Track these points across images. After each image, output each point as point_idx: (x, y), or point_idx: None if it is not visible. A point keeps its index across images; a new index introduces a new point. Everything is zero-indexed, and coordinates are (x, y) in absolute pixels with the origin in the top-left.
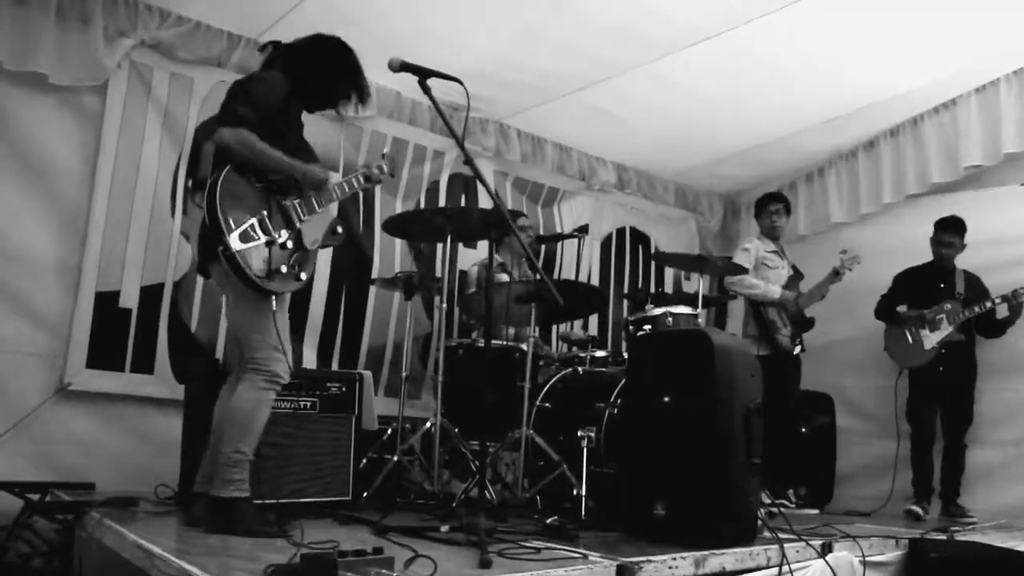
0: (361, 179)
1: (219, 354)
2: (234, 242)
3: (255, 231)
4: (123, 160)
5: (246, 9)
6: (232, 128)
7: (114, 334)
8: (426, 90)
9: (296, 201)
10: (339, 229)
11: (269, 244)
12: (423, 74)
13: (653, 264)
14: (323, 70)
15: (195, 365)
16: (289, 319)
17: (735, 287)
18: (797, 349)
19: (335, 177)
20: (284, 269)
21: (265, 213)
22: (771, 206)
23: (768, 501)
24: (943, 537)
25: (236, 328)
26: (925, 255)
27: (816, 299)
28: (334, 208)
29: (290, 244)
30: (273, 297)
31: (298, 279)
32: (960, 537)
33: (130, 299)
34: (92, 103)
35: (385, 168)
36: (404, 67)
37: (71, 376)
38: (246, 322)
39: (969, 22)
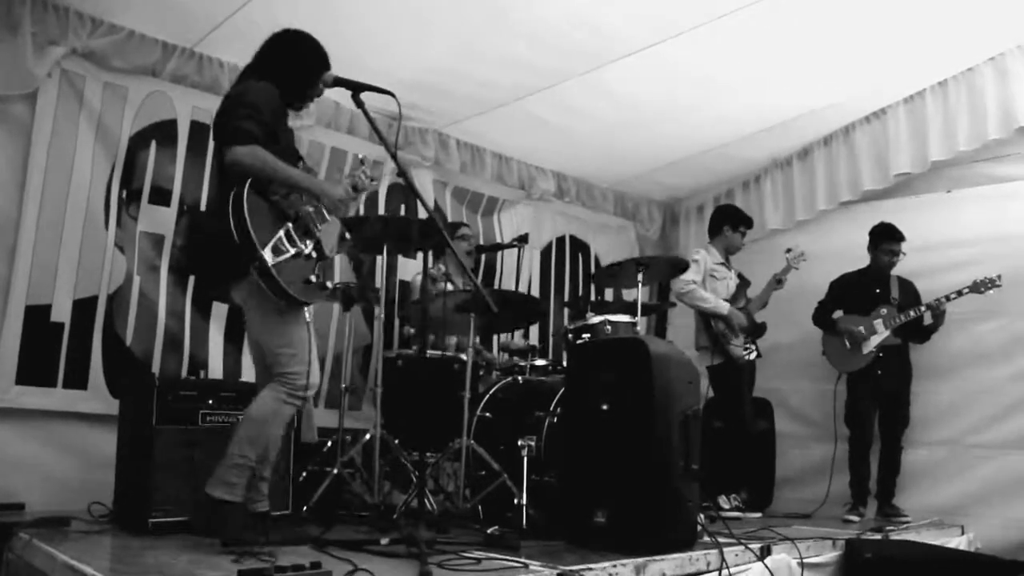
0: (351, 190)
1: (155, 367)
2: (268, 256)
3: (283, 244)
4: (54, 170)
5: (181, 18)
6: (246, 146)
7: (45, 349)
8: (359, 104)
9: (311, 210)
10: (347, 236)
11: (297, 255)
12: (356, 88)
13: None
14: (303, 65)
15: (130, 379)
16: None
17: (686, 299)
18: (753, 355)
19: (333, 222)
20: (313, 279)
21: (290, 225)
22: (742, 227)
23: (727, 506)
24: (878, 537)
25: (264, 345)
26: (859, 260)
27: (760, 307)
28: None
29: (314, 254)
30: (305, 309)
31: (324, 288)
32: (894, 536)
33: (62, 313)
34: (21, 112)
35: (368, 173)
36: (338, 82)
37: (0, 393)
38: (276, 338)
39: (896, 34)
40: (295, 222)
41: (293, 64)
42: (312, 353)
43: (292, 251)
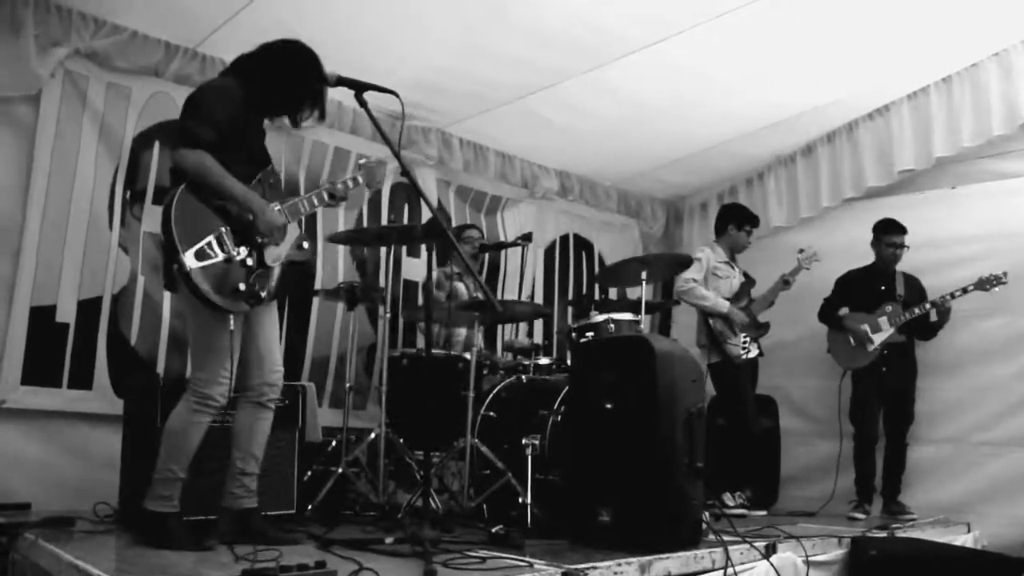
0: (325, 196)
1: (160, 368)
2: (189, 260)
3: (212, 249)
4: (58, 171)
5: (184, 18)
6: (191, 150)
7: (51, 350)
8: (362, 103)
9: None
10: (305, 244)
11: (227, 262)
12: (359, 88)
13: (597, 271)
14: (283, 74)
15: (135, 379)
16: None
17: (685, 297)
18: (755, 353)
19: (291, 228)
20: (242, 287)
21: (224, 230)
22: (747, 226)
23: (731, 503)
24: (883, 535)
25: (189, 345)
26: (864, 257)
27: (766, 306)
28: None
29: (250, 262)
30: (231, 316)
31: (256, 297)
32: (900, 534)
33: (67, 314)
34: (25, 113)
35: (350, 184)
36: (340, 81)
37: (5, 394)
38: (195, 340)
39: (899, 30)
40: (235, 228)
41: (274, 74)
42: (268, 352)
43: (220, 257)
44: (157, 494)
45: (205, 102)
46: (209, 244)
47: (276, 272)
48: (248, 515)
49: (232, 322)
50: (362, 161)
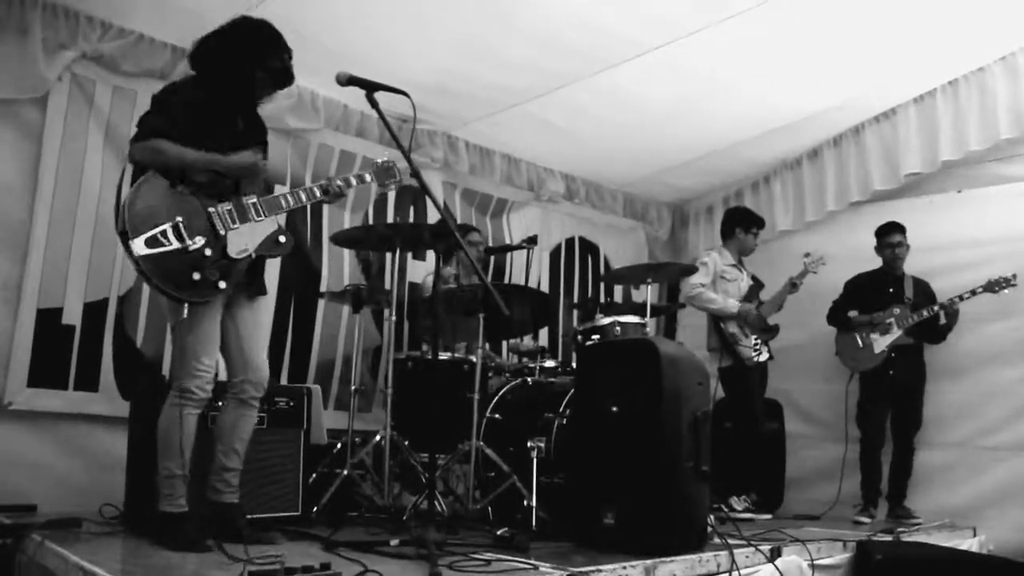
0: (317, 192)
1: (165, 370)
2: (137, 247)
3: (166, 237)
4: (65, 174)
5: (190, 21)
6: (141, 142)
7: (57, 351)
8: (373, 104)
9: (226, 208)
10: (281, 239)
11: (183, 251)
12: (370, 87)
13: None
14: (226, 55)
15: (141, 381)
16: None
17: (693, 302)
18: (764, 356)
19: (267, 223)
20: (197, 276)
21: (180, 219)
22: (754, 228)
23: (740, 507)
24: (889, 539)
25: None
26: (869, 261)
27: (775, 309)
28: (283, 217)
29: (208, 252)
30: (185, 306)
31: (215, 288)
32: (906, 538)
33: (73, 316)
34: (32, 116)
35: (352, 182)
36: (351, 81)
37: (11, 395)
38: (173, 333)
39: (905, 33)
40: (196, 217)
41: (218, 57)
42: (249, 350)
43: (175, 245)
44: (161, 494)
45: (157, 99)
46: (163, 232)
47: (242, 264)
48: (228, 510)
49: (185, 311)
50: (382, 159)
